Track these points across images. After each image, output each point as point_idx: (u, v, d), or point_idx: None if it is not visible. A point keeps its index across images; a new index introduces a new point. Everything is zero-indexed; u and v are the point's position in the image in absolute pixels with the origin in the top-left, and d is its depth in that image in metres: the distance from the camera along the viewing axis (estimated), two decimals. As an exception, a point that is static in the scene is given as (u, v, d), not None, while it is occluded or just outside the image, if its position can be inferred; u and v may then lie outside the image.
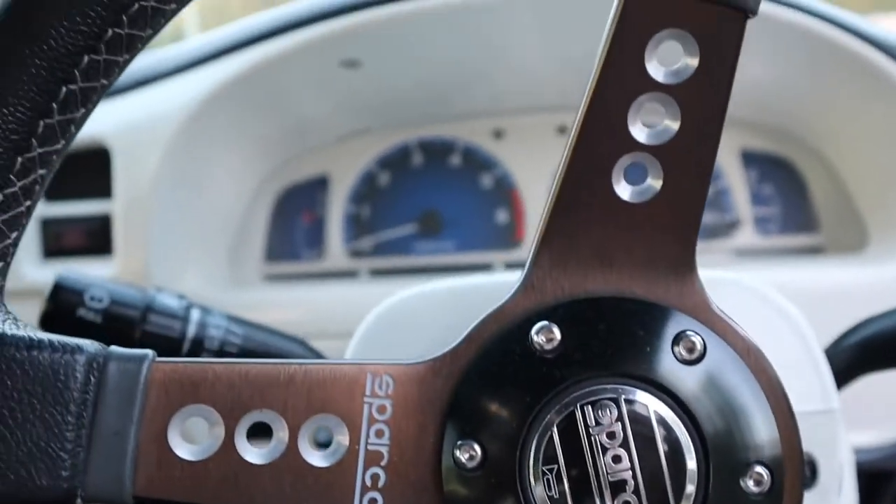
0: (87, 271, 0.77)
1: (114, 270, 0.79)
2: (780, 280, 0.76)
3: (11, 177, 0.31)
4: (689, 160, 0.33)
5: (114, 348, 0.32)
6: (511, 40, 0.84)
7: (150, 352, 0.32)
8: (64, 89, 0.31)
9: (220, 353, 0.55)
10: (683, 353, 0.33)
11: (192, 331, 0.54)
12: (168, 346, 0.54)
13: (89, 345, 0.31)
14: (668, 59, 0.33)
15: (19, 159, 0.31)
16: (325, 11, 0.77)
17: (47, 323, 0.53)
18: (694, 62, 0.32)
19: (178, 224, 0.81)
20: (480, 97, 0.93)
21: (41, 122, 0.31)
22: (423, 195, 0.95)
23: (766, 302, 0.50)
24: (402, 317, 0.51)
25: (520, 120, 0.95)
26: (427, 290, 0.52)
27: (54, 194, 0.83)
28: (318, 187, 0.96)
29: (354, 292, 0.84)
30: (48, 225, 0.83)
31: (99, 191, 0.80)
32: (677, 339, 0.33)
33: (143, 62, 0.85)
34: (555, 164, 1.00)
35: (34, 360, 0.30)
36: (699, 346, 0.33)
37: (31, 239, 0.83)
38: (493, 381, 0.33)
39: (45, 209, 0.83)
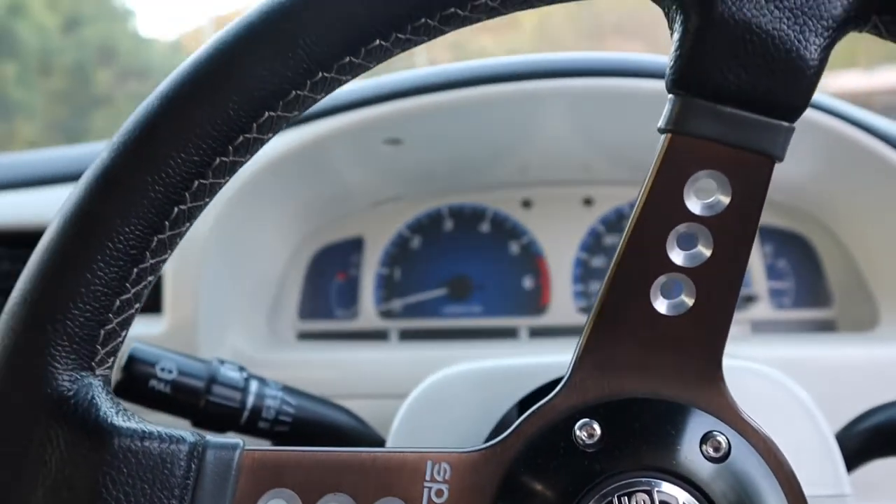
0: (138, 329, 0.81)
1: (162, 328, 0.81)
2: (794, 356, 0.80)
3: (127, 285, 0.35)
4: (719, 282, 0.36)
5: (210, 438, 0.36)
6: (542, 123, 0.88)
7: (240, 441, 0.36)
8: (176, 209, 0.35)
9: (276, 421, 0.59)
10: (710, 451, 0.36)
11: (250, 401, 0.58)
12: (229, 414, 0.58)
13: (189, 435, 0.35)
14: (704, 193, 0.37)
15: (135, 270, 0.35)
16: (375, 97, 0.81)
17: (121, 392, 0.56)
18: (726, 199, 0.36)
19: (223, 285, 0.84)
20: (511, 170, 0.96)
21: (155, 238, 0.35)
22: (453, 260, 0.97)
23: (782, 389, 0.54)
24: (444, 397, 0.54)
25: (547, 191, 0.98)
26: (467, 370, 0.55)
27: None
28: (352, 248, 0.98)
29: (385, 355, 0.87)
30: None
31: None
32: (705, 439, 0.36)
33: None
34: (580, 233, 1.03)
35: (146, 450, 0.34)
36: (724, 446, 0.36)
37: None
38: (538, 471, 0.36)
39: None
